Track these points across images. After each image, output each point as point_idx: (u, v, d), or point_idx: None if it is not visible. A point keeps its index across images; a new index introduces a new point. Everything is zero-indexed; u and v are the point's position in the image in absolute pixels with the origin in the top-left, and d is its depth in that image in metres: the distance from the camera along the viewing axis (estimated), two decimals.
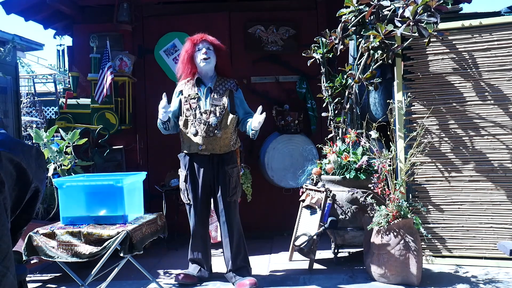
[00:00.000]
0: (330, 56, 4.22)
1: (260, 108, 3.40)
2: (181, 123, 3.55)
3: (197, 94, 3.52)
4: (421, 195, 3.88)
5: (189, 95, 3.53)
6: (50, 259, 2.89)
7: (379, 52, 3.67)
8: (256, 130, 3.46)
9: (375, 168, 3.56)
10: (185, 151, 3.57)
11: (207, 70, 3.54)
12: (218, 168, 3.52)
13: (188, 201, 3.58)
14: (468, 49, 3.78)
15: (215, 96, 3.50)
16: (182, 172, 3.60)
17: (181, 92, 3.59)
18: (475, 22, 3.75)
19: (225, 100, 3.51)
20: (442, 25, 3.62)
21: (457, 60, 3.81)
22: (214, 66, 3.56)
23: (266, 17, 5.09)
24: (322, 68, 4.21)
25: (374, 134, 3.65)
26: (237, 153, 3.70)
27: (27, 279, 3.06)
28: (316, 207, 3.80)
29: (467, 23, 3.77)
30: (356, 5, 3.71)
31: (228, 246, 3.56)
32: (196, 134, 3.47)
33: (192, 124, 3.48)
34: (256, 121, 3.40)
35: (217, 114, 3.46)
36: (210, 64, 3.51)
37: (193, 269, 3.66)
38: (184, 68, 3.57)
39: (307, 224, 3.88)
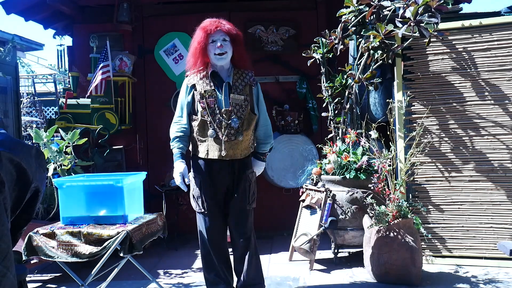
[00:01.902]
0: (330, 56, 4.23)
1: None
2: (195, 123, 3.05)
3: (214, 90, 3.02)
4: (421, 195, 3.88)
5: (205, 91, 3.01)
6: (50, 259, 2.89)
7: (379, 52, 3.67)
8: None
9: (375, 168, 3.56)
10: (200, 156, 3.05)
11: (222, 64, 3.05)
12: (239, 173, 3.07)
13: (202, 210, 3.06)
14: (468, 49, 3.78)
15: (236, 94, 3.02)
16: (195, 177, 3.10)
17: (193, 87, 3.06)
18: (475, 22, 3.75)
19: (246, 97, 3.05)
20: (442, 25, 3.61)
21: (457, 60, 3.81)
22: (230, 58, 3.06)
23: (266, 17, 5.09)
24: (322, 68, 4.21)
25: (374, 134, 3.65)
26: None
27: (27, 279, 3.06)
28: (316, 207, 3.81)
29: (467, 23, 3.77)
30: (356, 5, 3.71)
31: (242, 257, 3.11)
32: (217, 138, 2.99)
33: (210, 126, 3.00)
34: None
35: (239, 114, 3.01)
36: (226, 60, 3.01)
37: None
38: (196, 61, 3.07)
39: (307, 224, 3.88)
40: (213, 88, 3.02)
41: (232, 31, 3.01)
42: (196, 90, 3.05)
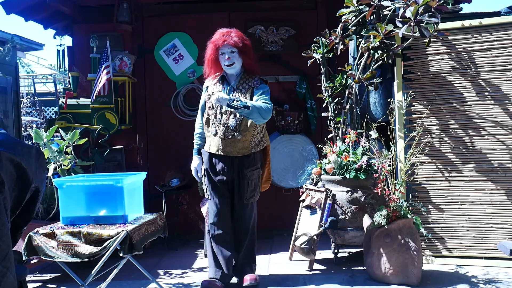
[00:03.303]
0: (330, 56, 4.22)
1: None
2: (204, 120, 3.49)
3: (220, 92, 3.39)
4: (421, 195, 3.88)
5: (212, 92, 3.42)
6: (50, 259, 2.89)
7: (379, 52, 3.67)
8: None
9: (375, 168, 3.55)
10: (205, 149, 3.50)
11: (232, 73, 3.44)
12: (238, 170, 3.41)
13: (207, 196, 3.53)
14: (468, 49, 3.78)
15: (237, 96, 3.34)
16: (203, 166, 3.53)
17: (207, 88, 3.51)
18: (475, 22, 3.76)
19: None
20: (442, 25, 3.61)
21: (457, 60, 3.81)
22: (240, 67, 3.43)
23: (266, 17, 5.09)
24: (322, 68, 4.21)
25: (374, 134, 3.65)
26: (267, 149, 3.61)
27: (27, 279, 3.06)
28: (316, 207, 3.81)
29: (467, 23, 3.77)
30: (356, 5, 3.71)
31: (238, 247, 3.50)
32: (215, 135, 3.39)
33: (213, 123, 3.40)
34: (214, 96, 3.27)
35: (237, 115, 3.32)
36: (235, 69, 3.40)
37: (213, 273, 3.44)
38: (211, 70, 3.49)
39: (307, 224, 3.88)
40: (219, 89, 3.42)
41: (238, 43, 3.33)
42: (207, 91, 3.49)
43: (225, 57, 3.34)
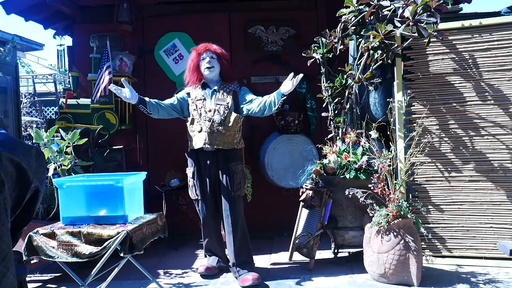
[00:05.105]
0: (330, 56, 4.22)
1: (291, 74, 3.46)
2: (188, 123, 3.75)
3: (203, 96, 3.72)
4: (421, 195, 3.88)
5: (195, 97, 3.74)
6: (50, 259, 2.89)
7: (379, 52, 3.67)
8: (285, 95, 3.51)
9: (375, 168, 3.56)
10: (191, 148, 3.73)
11: (211, 77, 3.74)
12: (223, 164, 3.66)
13: (196, 197, 3.74)
14: (468, 49, 3.78)
15: (219, 96, 3.70)
16: (189, 169, 3.76)
17: (188, 94, 3.79)
18: (475, 22, 3.76)
19: (229, 99, 3.68)
20: (442, 25, 3.62)
21: (457, 60, 3.81)
22: (218, 72, 3.75)
23: (266, 17, 5.09)
24: (322, 68, 4.21)
25: (374, 134, 3.65)
26: (242, 152, 3.85)
27: (27, 279, 3.06)
28: (316, 206, 3.81)
29: (467, 23, 3.77)
30: (356, 5, 3.71)
31: (231, 241, 3.64)
32: (201, 130, 3.64)
33: (198, 122, 3.67)
34: (287, 85, 3.47)
35: (221, 112, 3.64)
36: (214, 72, 3.72)
37: (212, 261, 3.84)
38: (191, 76, 3.79)
39: (307, 224, 3.88)
40: (202, 94, 3.74)
41: (217, 50, 3.74)
42: (190, 96, 3.77)
43: (206, 60, 3.69)
